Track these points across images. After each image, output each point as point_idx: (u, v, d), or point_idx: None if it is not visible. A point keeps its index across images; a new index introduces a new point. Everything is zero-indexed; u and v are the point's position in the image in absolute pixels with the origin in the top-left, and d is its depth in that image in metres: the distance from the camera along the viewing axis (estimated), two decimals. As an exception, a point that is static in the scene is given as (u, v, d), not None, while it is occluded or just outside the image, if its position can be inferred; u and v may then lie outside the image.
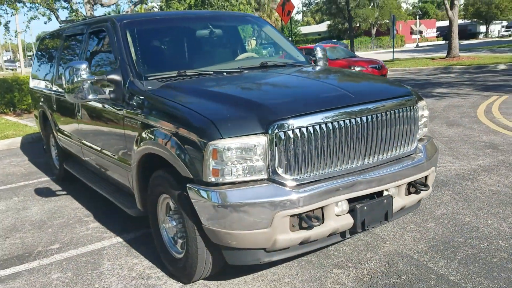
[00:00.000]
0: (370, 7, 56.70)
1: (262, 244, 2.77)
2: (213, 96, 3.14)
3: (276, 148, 2.71)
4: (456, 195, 4.61)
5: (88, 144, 4.54)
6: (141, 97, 3.48)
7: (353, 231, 3.02)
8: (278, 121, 2.71)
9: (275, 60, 4.31)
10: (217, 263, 3.12)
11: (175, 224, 3.26)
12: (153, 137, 3.19)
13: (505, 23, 77.33)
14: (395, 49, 33.35)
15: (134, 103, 3.53)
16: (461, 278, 3.07)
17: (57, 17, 15.14)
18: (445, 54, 25.42)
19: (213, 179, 2.73)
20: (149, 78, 3.67)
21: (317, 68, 4.36)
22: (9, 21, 16.78)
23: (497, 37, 72.72)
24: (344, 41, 49.49)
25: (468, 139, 6.99)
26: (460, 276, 3.10)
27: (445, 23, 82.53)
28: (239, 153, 2.69)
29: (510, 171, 5.28)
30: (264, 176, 2.74)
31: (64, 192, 5.69)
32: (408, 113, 3.21)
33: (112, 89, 3.76)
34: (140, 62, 3.83)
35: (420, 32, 70.27)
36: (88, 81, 3.65)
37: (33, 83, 6.69)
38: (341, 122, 2.86)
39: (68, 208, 5.12)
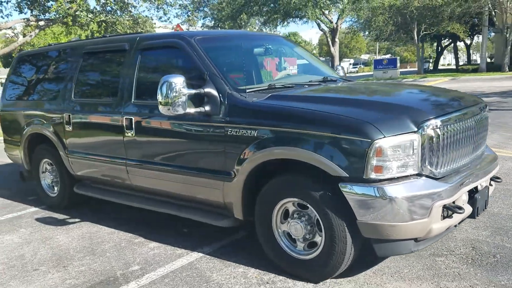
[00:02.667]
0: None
1: (419, 233, 3.10)
2: (348, 102, 3.46)
3: (425, 145, 3.11)
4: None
5: (146, 163, 4.39)
6: (253, 109, 3.62)
7: (461, 220, 3.52)
8: (427, 121, 3.13)
9: (331, 76, 4.74)
10: (354, 258, 3.37)
11: (303, 226, 3.43)
12: (284, 144, 3.35)
13: (352, 60, 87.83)
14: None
15: (242, 115, 3.64)
16: (541, 251, 3.74)
17: None
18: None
19: (374, 176, 3.03)
20: (247, 91, 3.82)
21: (369, 82, 4.92)
22: None
23: (347, 73, 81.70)
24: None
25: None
26: (538, 249, 3.77)
27: (303, 61, 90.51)
28: (397, 151, 3.03)
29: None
30: (416, 171, 3.10)
31: (78, 219, 5.31)
32: (486, 115, 3.87)
33: (204, 102, 3.81)
34: (228, 76, 3.95)
35: (285, 69, 75.84)
36: (186, 95, 3.68)
37: (11, 106, 6.13)
38: (464, 122, 3.39)
39: (102, 232, 4.83)
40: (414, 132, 3.07)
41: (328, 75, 4.78)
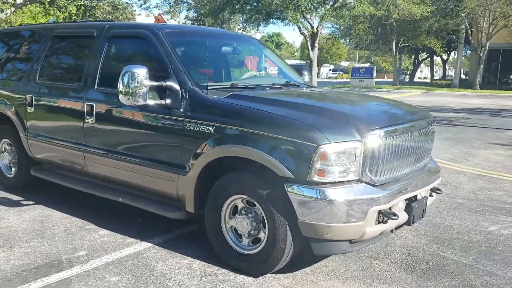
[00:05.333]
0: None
1: (353, 235, 3.27)
2: (302, 107, 3.62)
3: (367, 153, 3.27)
4: (413, 203, 5.62)
5: (103, 151, 4.43)
6: (212, 106, 3.72)
7: (399, 227, 3.70)
8: (371, 131, 3.29)
9: (295, 81, 4.89)
10: (293, 255, 3.51)
11: (249, 222, 3.56)
12: (237, 142, 3.47)
13: (332, 66, 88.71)
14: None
15: (202, 111, 3.73)
16: (471, 261, 3.95)
17: None
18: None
19: (317, 179, 3.18)
20: (208, 88, 3.91)
21: (333, 90, 5.07)
22: None
23: (325, 78, 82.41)
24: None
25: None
26: (469, 259, 3.98)
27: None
28: (341, 157, 3.19)
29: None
30: (356, 177, 3.26)
31: (31, 202, 5.30)
32: (433, 130, 4.07)
33: (166, 95, 3.89)
34: (192, 72, 4.04)
35: (266, 68, 76.40)
36: (148, 86, 3.75)
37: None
38: (408, 134, 3.58)
39: (54, 217, 4.85)
40: (358, 140, 3.23)
41: (292, 80, 4.92)
